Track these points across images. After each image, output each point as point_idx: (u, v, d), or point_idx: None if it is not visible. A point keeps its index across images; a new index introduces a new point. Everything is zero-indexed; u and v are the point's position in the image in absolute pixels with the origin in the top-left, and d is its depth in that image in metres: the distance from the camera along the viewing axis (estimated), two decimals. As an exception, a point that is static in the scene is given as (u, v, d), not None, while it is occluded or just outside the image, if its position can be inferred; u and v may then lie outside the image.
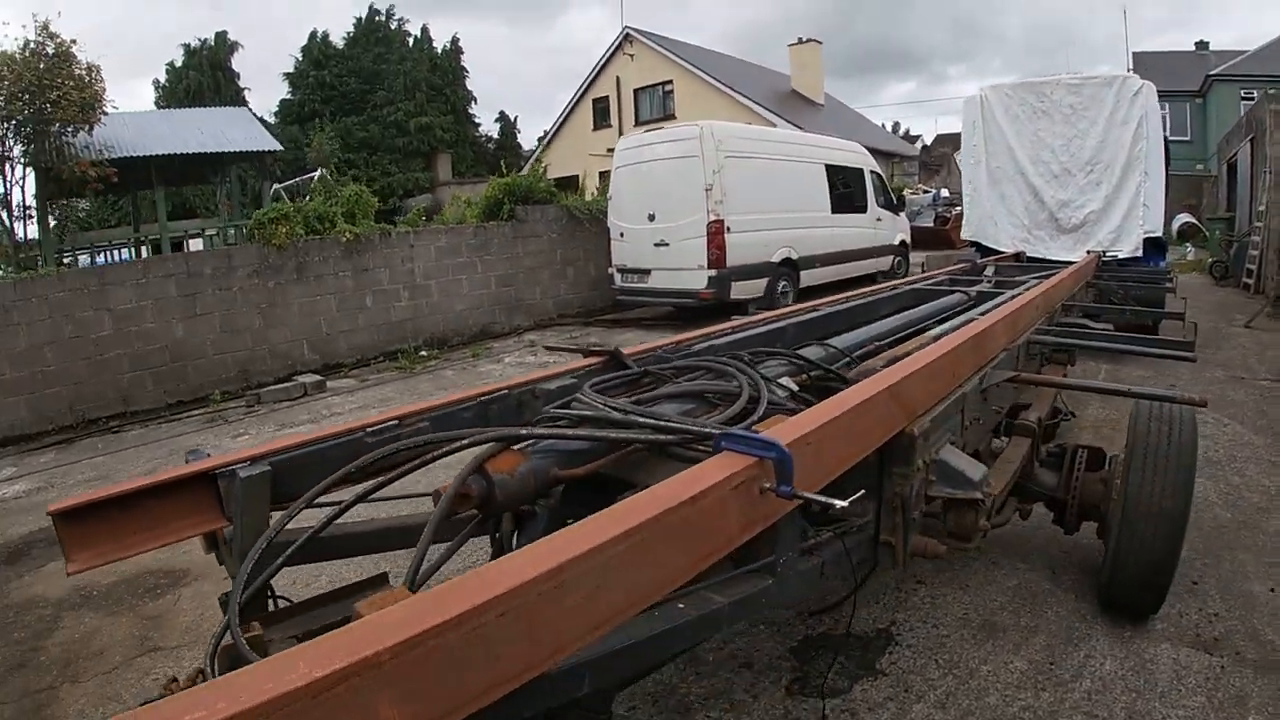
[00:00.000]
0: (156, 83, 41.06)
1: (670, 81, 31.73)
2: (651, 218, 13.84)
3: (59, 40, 14.08)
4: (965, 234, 12.48)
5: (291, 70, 42.99)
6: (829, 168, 16.08)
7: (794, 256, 14.61)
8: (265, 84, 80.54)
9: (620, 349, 3.34)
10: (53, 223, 18.86)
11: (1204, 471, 5.67)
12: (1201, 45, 41.88)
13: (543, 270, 15.87)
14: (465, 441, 2.26)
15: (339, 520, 2.17)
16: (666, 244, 13.63)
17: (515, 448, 2.20)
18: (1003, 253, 11.03)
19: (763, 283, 13.88)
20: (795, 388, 2.97)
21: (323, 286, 13.10)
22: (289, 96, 42.83)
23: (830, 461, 2.06)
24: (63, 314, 11.11)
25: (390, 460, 2.32)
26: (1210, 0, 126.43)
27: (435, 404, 2.83)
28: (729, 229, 13.10)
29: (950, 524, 2.86)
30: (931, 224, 25.95)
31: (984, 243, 11.87)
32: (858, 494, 1.86)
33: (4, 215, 14.86)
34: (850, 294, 6.07)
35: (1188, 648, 3.66)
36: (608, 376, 3.03)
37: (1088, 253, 9.98)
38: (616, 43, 33.14)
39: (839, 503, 1.73)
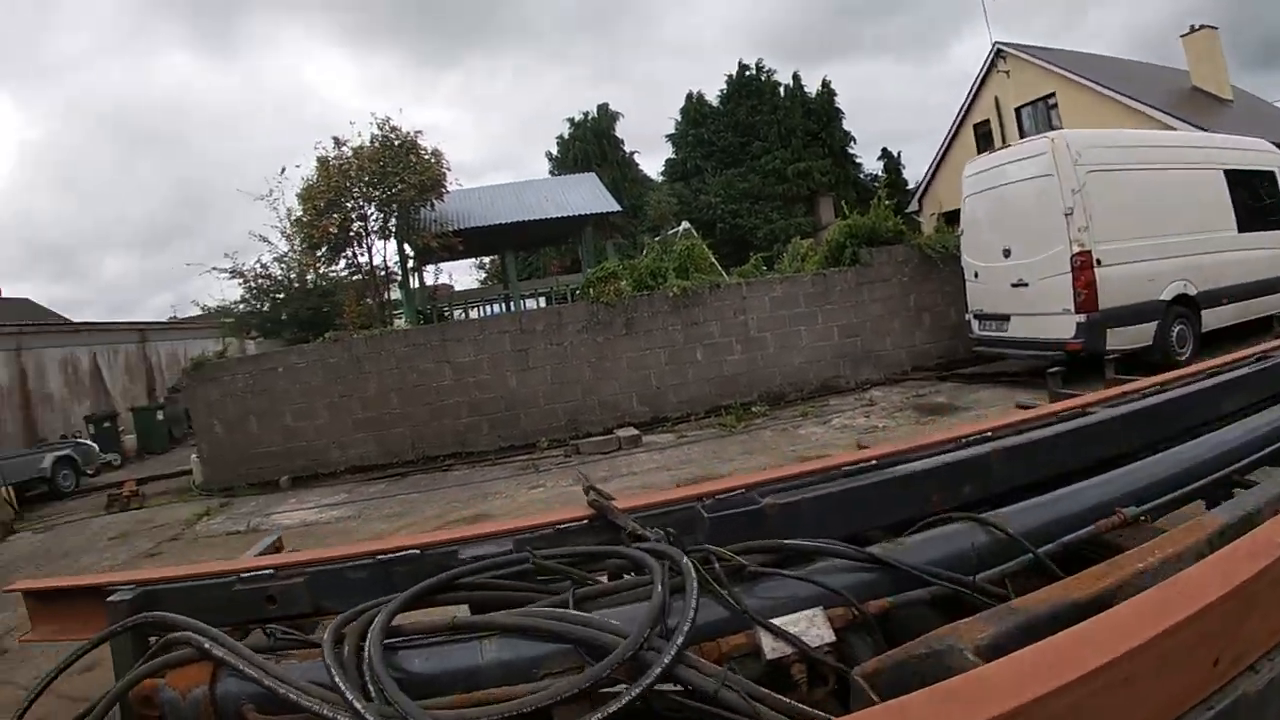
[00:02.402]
0: (549, 154, 45.59)
1: (1052, 94, 28.44)
2: (1007, 253, 11.91)
3: (402, 132, 16.36)
4: None
5: (673, 131, 45.02)
6: (1229, 174, 12.60)
7: (1191, 292, 11.68)
8: (653, 146, 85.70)
9: (612, 505, 2.34)
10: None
11: None
12: None
13: (892, 318, 14.28)
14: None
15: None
16: (1025, 284, 11.60)
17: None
18: None
19: (1150, 328, 11.28)
20: (826, 638, 1.67)
21: (652, 340, 13.07)
22: (673, 156, 44.96)
23: None
24: (408, 365, 12.68)
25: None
26: None
27: (324, 555, 2.37)
28: (1099, 262, 10.81)
29: None
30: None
31: None
32: None
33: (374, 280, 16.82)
34: (1174, 375, 3.74)
35: None
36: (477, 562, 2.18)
37: None
38: (989, 61, 30.47)
39: None
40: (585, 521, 2.35)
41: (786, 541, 2.02)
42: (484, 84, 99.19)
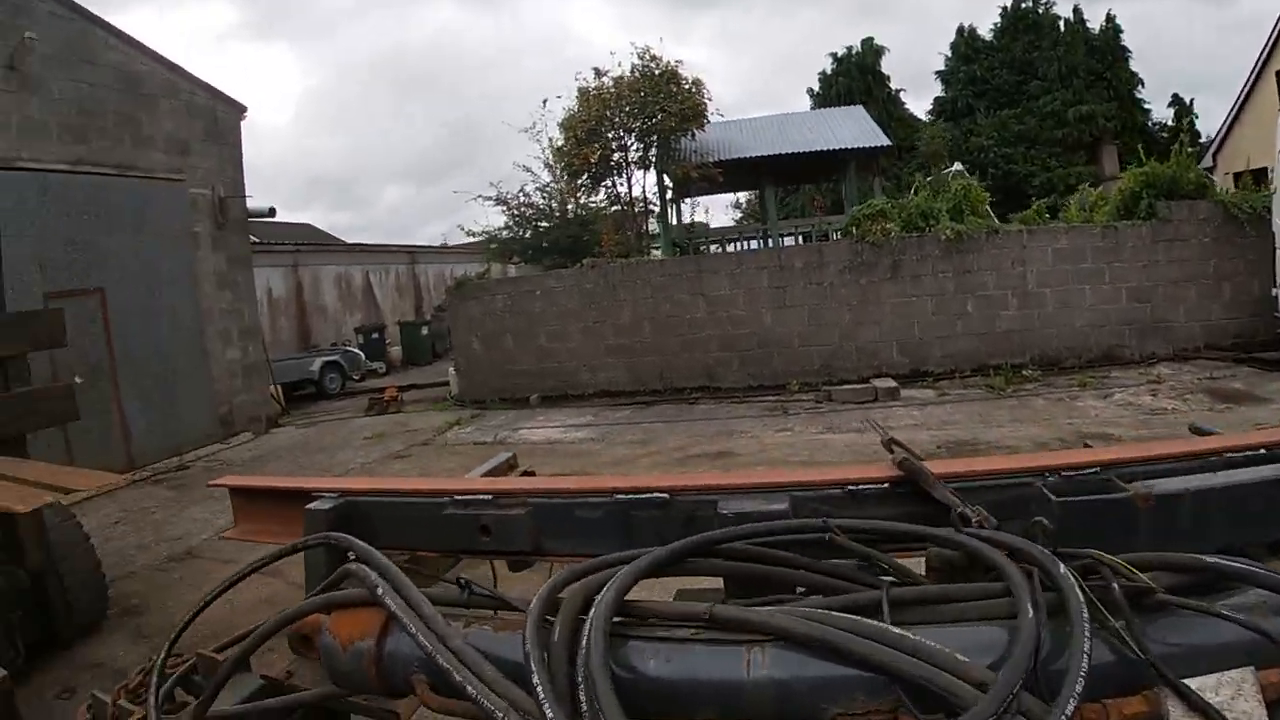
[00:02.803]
0: (810, 90, 43.79)
1: (1364, 40, 24.61)
2: (1324, 220, 10.09)
3: (663, 62, 16.15)
4: None
5: (942, 68, 42.71)
6: None
7: None
8: (918, 85, 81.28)
9: (926, 469, 1.75)
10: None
11: None
12: None
13: (1189, 285, 12.53)
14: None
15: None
16: None
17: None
18: None
19: None
20: (1256, 716, 1.08)
21: (919, 287, 12.34)
22: (942, 94, 42.58)
23: None
24: (662, 295, 12.79)
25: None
26: None
27: (552, 486, 2.10)
28: None
29: None
30: None
31: None
32: None
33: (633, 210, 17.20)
34: None
35: None
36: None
37: None
38: (1290, 0, 26.58)
39: None
40: (885, 485, 1.82)
41: (1210, 559, 1.31)
42: (740, 21, 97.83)
